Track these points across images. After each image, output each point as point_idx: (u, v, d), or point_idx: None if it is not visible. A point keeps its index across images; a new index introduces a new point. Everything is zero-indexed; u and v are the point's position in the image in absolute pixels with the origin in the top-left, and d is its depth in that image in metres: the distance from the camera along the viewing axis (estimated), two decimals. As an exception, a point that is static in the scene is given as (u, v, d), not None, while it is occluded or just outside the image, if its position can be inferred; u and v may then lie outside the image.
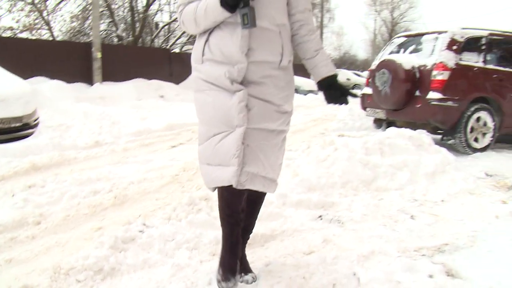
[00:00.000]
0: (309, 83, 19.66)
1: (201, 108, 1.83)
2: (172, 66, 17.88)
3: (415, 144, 4.36)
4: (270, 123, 1.79)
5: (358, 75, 30.85)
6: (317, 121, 9.62)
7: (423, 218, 3.11)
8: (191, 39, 20.84)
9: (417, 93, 5.75)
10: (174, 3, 20.68)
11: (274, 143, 1.83)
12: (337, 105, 1.85)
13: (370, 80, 6.69)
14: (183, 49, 20.82)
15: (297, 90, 18.15)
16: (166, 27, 20.67)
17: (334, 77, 1.86)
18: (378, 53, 7.33)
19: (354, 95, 1.92)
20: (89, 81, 13.66)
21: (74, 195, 3.41)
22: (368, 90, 6.73)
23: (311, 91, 18.51)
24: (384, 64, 5.98)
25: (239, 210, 1.92)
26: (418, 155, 4.16)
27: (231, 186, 1.76)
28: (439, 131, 5.91)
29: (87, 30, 18.85)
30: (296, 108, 8.94)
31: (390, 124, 6.65)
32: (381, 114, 6.45)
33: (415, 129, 5.60)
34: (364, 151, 3.93)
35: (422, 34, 6.23)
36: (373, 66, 6.60)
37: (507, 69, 5.97)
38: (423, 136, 4.59)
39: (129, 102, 11.84)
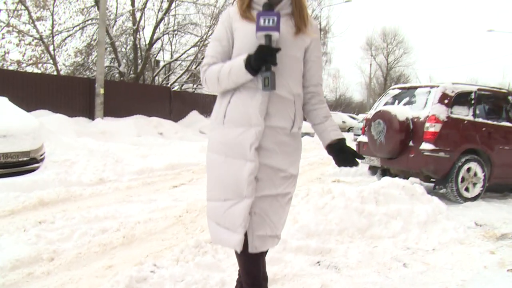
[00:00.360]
0: (306, 126, 19.99)
1: (214, 171, 1.94)
2: (172, 104, 18.27)
3: (408, 194, 4.58)
4: (277, 188, 1.91)
5: (353, 118, 31.46)
6: (314, 165, 9.84)
7: (415, 266, 3.30)
8: (191, 78, 21.38)
9: (411, 143, 6.02)
10: (175, 43, 21.37)
11: (279, 205, 1.94)
12: (347, 168, 1.96)
13: (366, 128, 6.97)
14: (183, 87, 21.31)
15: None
16: (168, 65, 21.21)
17: (343, 140, 1.98)
18: (374, 102, 7.67)
19: (363, 157, 2.02)
20: (91, 115, 13.94)
21: (84, 233, 3.58)
22: (364, 138, 7.01)
23: (307, 134, 18.80)
24: (380, 115, 6.28)
25: (260, 277, 2.03)
26: (411, 204, 4.37)
27: (245, 249, 1.89)
28: (431, 180, 6.15)
29: (90, 64, 19.34)
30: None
31: (384, 171, 6.94)
32: (376, 162, 6.69)
33: (408, 178, 5.89)
34: (360, 200, 4.14)
35: (415, 87, 6.58)
36: (369, 115, 6.90)
37: (495, 122, 6.31)
38: (416, 186, 4.82)
39: (129, 138, 12.10)
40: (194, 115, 19.16)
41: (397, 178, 4.85)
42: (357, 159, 1.95)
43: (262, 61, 1.76)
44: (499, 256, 3.63)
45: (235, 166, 1.85)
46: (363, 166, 8.08)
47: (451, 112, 5.97)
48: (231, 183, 1.87)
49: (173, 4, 19.15)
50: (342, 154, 1.94)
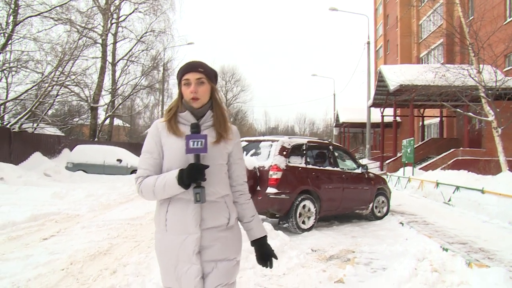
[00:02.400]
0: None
1: (169, 272, 2.13)
2: (12, 145, 17.21)
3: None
4: (226, 278, 2.12)
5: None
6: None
7: (273, 288, 4.44)
8: (31, 118, 20.30)
9: (258, 188, 7.35)
10: (12, 82, 20.17)
11: None
12: (264, 268, 2.28)
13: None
14: (23, 126, 20.07)
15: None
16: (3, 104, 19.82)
17: (265, 237, 2.29)
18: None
19: (276, 258, 2.29)
20: None
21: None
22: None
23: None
24: (233, 164, 7.51)
25: None
26: (264, 240, 5.57)
27: None
28: (276, 217, 7.57)
29: None
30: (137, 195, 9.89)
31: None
32: (231, 203, 7.87)
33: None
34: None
35: (260, 141, 8.03)
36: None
37: (320, 167, 8.09)
38: (265, 224, 6.07)
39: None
40: (37, 156, 18.32)
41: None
42: (273, 259, 2.27)
43: (192, 179, 1.98)
44: (329, 273, 4.96)
45: (184, 269, 2.07)
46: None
47: (289, 161, 7.51)
48: (184, 284, 2.08)
49: (10, 40, 18.21)
50: (262, 250, 2.27)
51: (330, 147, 8.70)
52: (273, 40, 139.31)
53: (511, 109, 17.08)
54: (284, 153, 7.52)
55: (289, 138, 7.90)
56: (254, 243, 2.29)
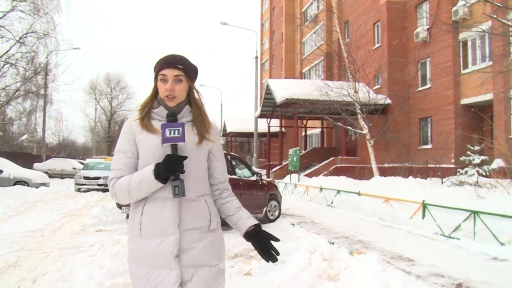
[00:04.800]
0: (40, 176, 19.45)
1: (141, 283, 1.90)
2: None
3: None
4: (209, 286, 1.93)
5: (82, 163, 31.48)
6: (69, 217, 10.39)
7: None
8: None
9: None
10: None
11: None
12: (270, 262, 2.00)
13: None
14: None
15: (28, 184, 17.86)
16: None
17: (258, 226, 2.02)
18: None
19: (278, 239, 2.02)
20: None
21: None
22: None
23: (43, 184, 18.40)
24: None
25: None
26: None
27: None
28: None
29: None
30: (35, 204, 10.76)
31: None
32: (136, 211, 8.12)
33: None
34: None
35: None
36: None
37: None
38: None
39: None
40: None
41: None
42: (274, 254, 1.98)
43: (170, 171, 1.81)
44: (237, 268, 5.53)
45: (160, 277, 1.86)
46: (119, 214, 9.44)
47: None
48: None
49: None
50: (260, 238, 1.99)
51: (228, 156, 9.36)
52: (162, 49, 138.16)
53: (380, 124, 19.60)
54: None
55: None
56: (248, 235, 2.01)
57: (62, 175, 29.76)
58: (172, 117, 1.91)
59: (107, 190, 18.85)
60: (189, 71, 2.00)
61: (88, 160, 27.87)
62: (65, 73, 37.31)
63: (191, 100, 2.04)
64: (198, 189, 1.97)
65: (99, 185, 19.07)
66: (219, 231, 2.06)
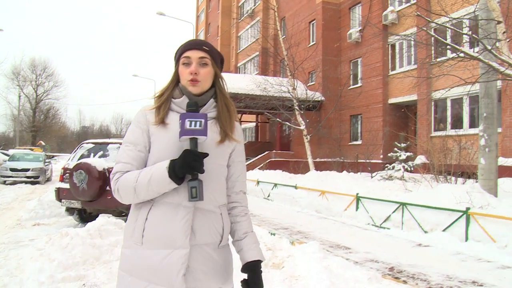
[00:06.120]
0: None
1: None
2: None
3: (119, 227, 6.25)
4: None
5: (6, 155, 29.69)
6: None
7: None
8: None
9: (108, 188, 7.67)
10: None
11: None
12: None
13: (64, 177, 8.15)
14: None
15: None
16: None
17: (259, 263, 1.76)
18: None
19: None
20: None
21: None
22: (63, 185, 8.14)
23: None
24: (81, 166, 7.63)
25: None
26: (123, 235, 6.04)
27: None
28: (123, 215, 7.97)
29: None
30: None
31: (80, 211, 8.34)
32: (77, 204, 7.96)
33: (100, 214, 7.42)
34: (90, 236, 5.54)
35: (107, 143, 8.32)
36: (69, 166, 8.11)
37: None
38: (121, 221, 6.53)
39: None
40: None
41: (111, 217, 6.44)
42: None
43: (188, 169, 1.55)
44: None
45: None
46: (56, 208, 9.20)
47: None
48: None
49: None
50: (253, 279, 1.73)
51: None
52: (95, 36, 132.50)
53: (315, 120, 20.37)
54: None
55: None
56: (245, 268, 1.75)
57: (-17, 167, 27.88)
58: (194, 107, 1.66)
59: (36, 183, 18.34)
60: (215, 56, 1.77)
61: (13, 151, 26.29)
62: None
63: (217, 90, 1.78)
64: (215, 198, 1.71)
65: (27, 177, 18.18)
66: (229, 248, 1.81)
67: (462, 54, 6.96)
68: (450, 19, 7.76)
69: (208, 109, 1.74)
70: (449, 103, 16.38)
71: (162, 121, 1.69)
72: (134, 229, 1.67)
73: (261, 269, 1.76)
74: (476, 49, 8.62)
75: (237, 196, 1.83)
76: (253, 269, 1.74)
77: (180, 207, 1.62)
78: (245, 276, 1.74)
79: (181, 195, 1.62)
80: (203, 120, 1.59)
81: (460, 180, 10.89)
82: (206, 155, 1.59)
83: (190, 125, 1.58)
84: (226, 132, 1.74)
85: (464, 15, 8.76)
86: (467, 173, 10.98)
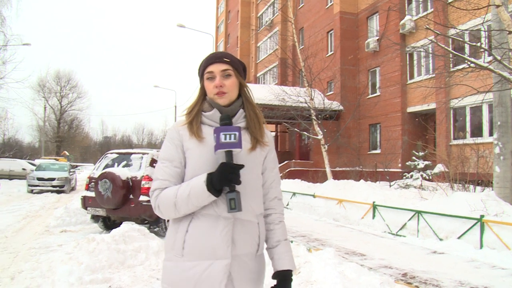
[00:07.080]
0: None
1: None
2: None
3: (142, 234, 6.54)
4: None
5: (33, 164, 30.60)
6: (28, 218, 10.38)
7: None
8: None
9: (131, 196, 8.01)
10: None
11: None
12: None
13: (89, 186, 8.52)
14: None
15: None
16: None
17: (289, 272, 1.77)
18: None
19: None
20: None
21: None
22: (89, 193, 8.51)
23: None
24: (106, 175, 8.00)
25: None
26: (145, 241, 6.34)
27: None
28: (146, 222, 8.29)
29: None
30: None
31: (105, 219, 8.69)
32: (102, 212, 8.32)
33: (124, 221, 7.73)
34: (115, 242, 5.84)
35: (131, 153, 8.67)
36: (94, 175, 8.48)
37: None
38: (143, 227, 6.83)
39: None
40: None
41: (135, 224, 6.74)
42: None
43: (226, 181, 1.60)
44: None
45: None
46: (82, 215, 9.58)
47: (159, 172, 8.31)
48: None
49: None
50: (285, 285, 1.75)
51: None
52: (117, 50, 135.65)
53: (333, 129, 20.53)
54: (154, 164, 8.30)
55: (157, 151, 8.71)
56: (275, 276, 1.77)
57: (11, 176, 28.77)
58: (227, 120, 1.70)
59: (62, 192, 18.92)
60: (237, 66, 1.81)
61: (39, 161, 27.10)
62: (16, 70, 35.70)
63: (244, 99, 1.83)
64: (253, 207, 1.75)
65: (53, 186, 18.86)
66: (263, 258, 1.85)
67: (472, 65, 7.09)
68: (460, 30, 7.89)
69: (239, 119, 1.79)
70: (468, 111, 16.34)
71: (198, 135, 1.73)
72: (174, 241, 1.71)
73: (292, 277, 1.78)
74: (488, 59, 8.72)
75: (271, 203, 1.86)
76: (283, 278, 1.76)
77: (220, 219, 1.66)
78: (274, 282, 1.76)
79: (220, 206, 1.66)
80: (237, 133, 1.63)
81: (478, 188, 10.90)
82: (242, 166, 1.62)
83: (225, 139, 1.62)
84: (257, 138, 1.78)
85: (477, 25, 8.88)
86: (484, 181, 10.99)
